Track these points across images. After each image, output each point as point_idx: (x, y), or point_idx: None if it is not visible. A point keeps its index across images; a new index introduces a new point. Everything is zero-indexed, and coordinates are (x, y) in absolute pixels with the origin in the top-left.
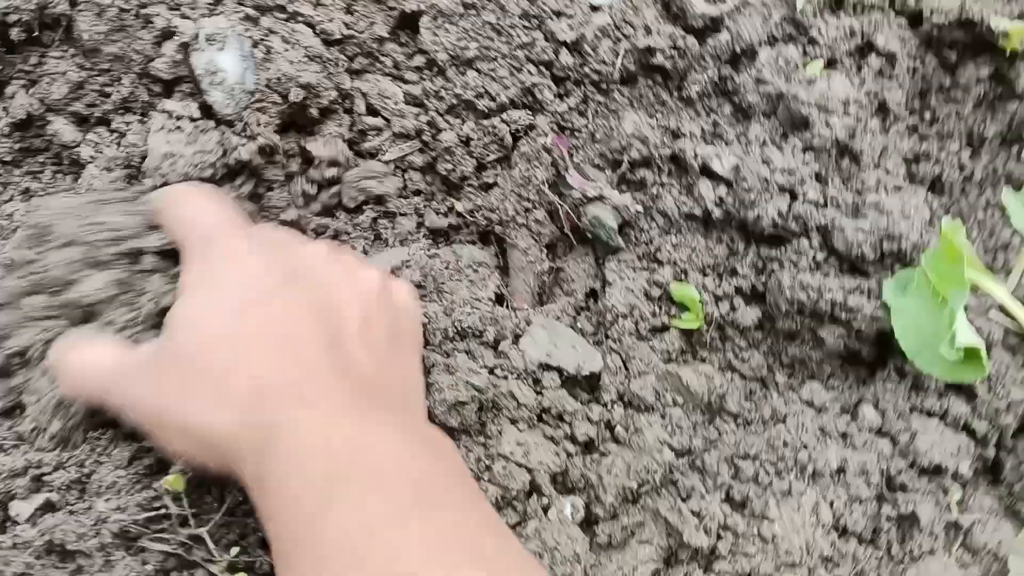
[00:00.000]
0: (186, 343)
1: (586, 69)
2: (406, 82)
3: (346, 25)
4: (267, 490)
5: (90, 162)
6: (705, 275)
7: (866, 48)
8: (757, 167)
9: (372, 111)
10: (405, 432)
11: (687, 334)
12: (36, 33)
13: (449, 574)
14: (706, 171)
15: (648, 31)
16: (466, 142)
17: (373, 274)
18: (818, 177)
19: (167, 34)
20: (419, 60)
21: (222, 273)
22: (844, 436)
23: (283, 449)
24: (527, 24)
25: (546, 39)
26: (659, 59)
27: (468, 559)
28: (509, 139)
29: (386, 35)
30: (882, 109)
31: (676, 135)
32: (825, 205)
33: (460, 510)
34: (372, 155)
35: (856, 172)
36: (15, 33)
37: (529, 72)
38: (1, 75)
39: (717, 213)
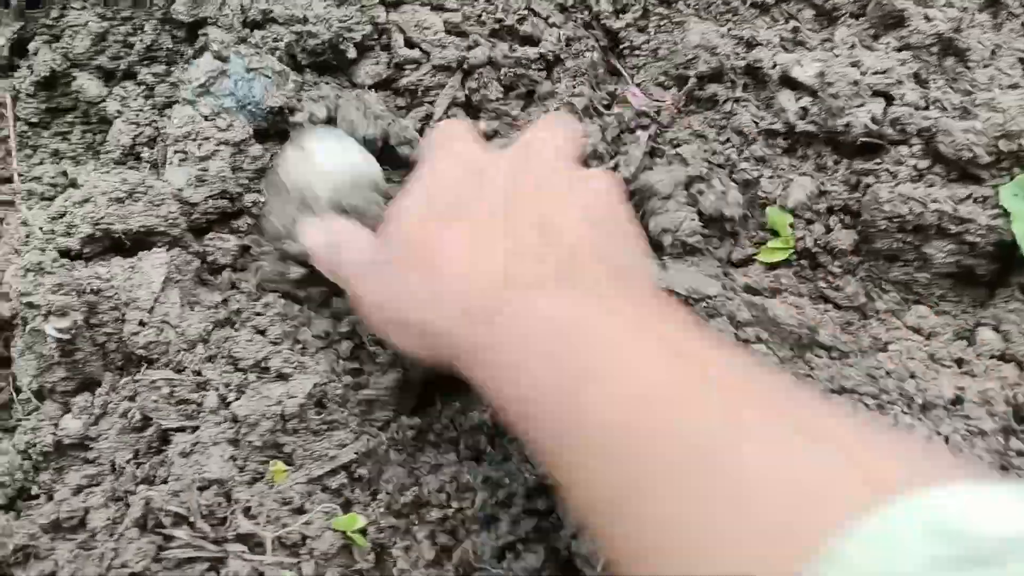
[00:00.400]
0: (399, 235)
1: None
2: (445, 10)
3: None
4: (501, 377)
5: (117, 117)
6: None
7: None
8: (845, 71)
9: (410, 44)
10: (638, 303)
11: (773, 265)
12: None
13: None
14: (786, 80)
15: None
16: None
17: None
18: (917, 78)
19: None
20: None
21: (442, 166)
22: (960, 363)
23: (517, 329)
24: None
25: None
26: None
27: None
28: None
29: None
30: (993, 3)
31: (750, 45)
32: (927, 107)
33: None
34: (411, 92)
35: (963, 72)
36: None
37: None
38: (24, 31)
39: (801, 126)
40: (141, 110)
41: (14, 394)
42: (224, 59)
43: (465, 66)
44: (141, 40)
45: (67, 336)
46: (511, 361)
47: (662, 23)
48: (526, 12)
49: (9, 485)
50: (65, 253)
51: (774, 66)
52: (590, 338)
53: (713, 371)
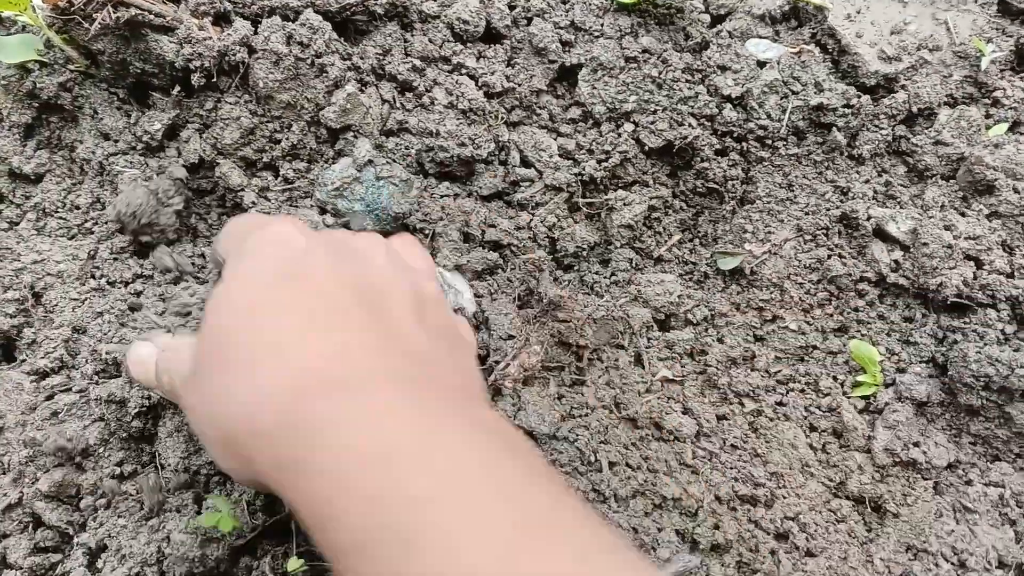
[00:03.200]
0: (214, 325)
1: (750, 124)
2: (560, 135)
3: (507, 78)
4: (316, 514)
5: (252, 206)
6: (876, 344)
7: None
8: (938, 232)
9: (526, 163)
10: (475, 427)
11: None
12: (214, 79)
13: None
14: (880, 233)
15: (819, 88)
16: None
17: (431, 269)
18: (1004, 245)
19: (339, 83)
20: (575, 112)
21: (260, 249)
22: None
23: (329, 453)
24: (690, 79)
25: (709, 93)
26: (830, 117)
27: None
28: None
29: (544, 88)
30: None
31: (846, 194)
32: (1012, 275)
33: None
34: (522, 206)
35: None
36: (195, 78)
37: (690, 126)
38: (177, 119)
39: (892, 278)
40: (276, 202)
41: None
42: (360, 168)
43: (572, 187)
44: (287, 138)
45: None
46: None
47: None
48: (622, 158)
49: None
50: None
51: (868, 217)
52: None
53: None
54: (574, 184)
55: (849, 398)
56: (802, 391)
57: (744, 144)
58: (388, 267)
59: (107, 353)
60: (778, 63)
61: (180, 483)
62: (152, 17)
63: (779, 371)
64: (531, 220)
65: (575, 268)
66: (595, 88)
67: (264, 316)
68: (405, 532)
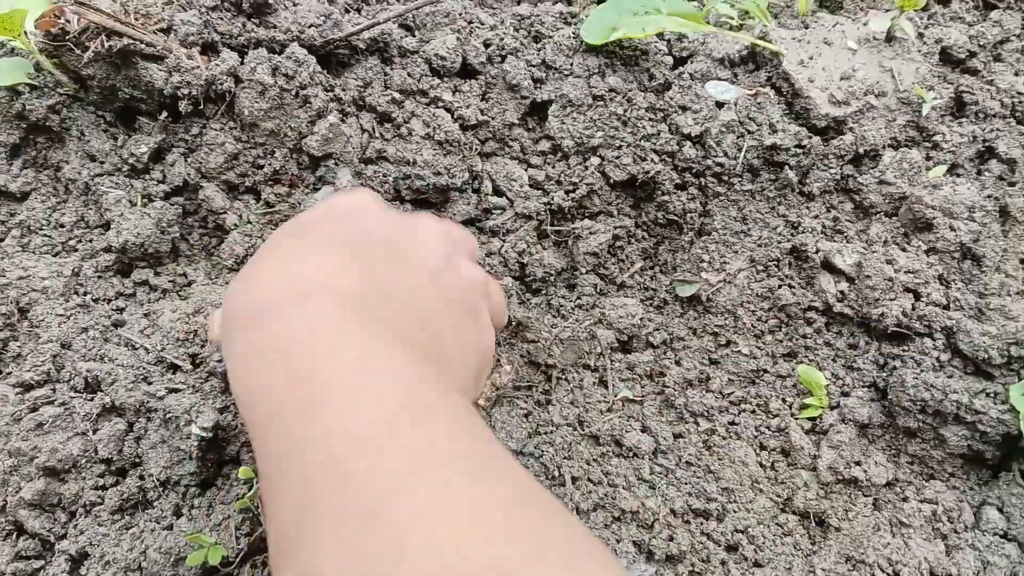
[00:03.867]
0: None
1: (708, 162)
2: (531, 166)
3: (481, 111)
4: (247, 389)
5: (234, 228)
6: (822, 369)
7: (987, 153)
8: (881, 266)
9: (498, 191)
10: (443, 399)
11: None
12: (200, 106)
13: (435, 485)
14: (827, 265)
15: (773, 129)
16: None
17: (474, 251)
18: (941, 279)
19: (322, 113)
20: (545, 145)
21: (326, 199)
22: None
23: (267, 337)
24: (652, 117)
25: (670, 131)
26: (783, 156)
27: (459, 471)
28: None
29: (516, 121)
30: (1003, 213)
31: (796, 228)
32: (947, 307)
33: (448, 424)
34: (494, 233)
35: (978, 275)
36: (183, 105)
37: (652, 162)
38: (163, 143)
39: (838, 307)
40: (258, 225)
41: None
42: None
43: (541, 216)
44: (270, 164)
45: (209, 435)
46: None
47: (720, 204)
48: (588, 190)
49: None
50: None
51: (816, 250)
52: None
53: (448, 448)
54: (543, 213)
55: (796, 419)
56: (753, 412)
57: (702, 179)
58: (431, 241)
59: (88, 371)
60: (735, 104)
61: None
62: (143, 46)
63: (732, 392)
64: (502, 246)
65: (543, 292)
66: (564, 123)
67: (286, 238)
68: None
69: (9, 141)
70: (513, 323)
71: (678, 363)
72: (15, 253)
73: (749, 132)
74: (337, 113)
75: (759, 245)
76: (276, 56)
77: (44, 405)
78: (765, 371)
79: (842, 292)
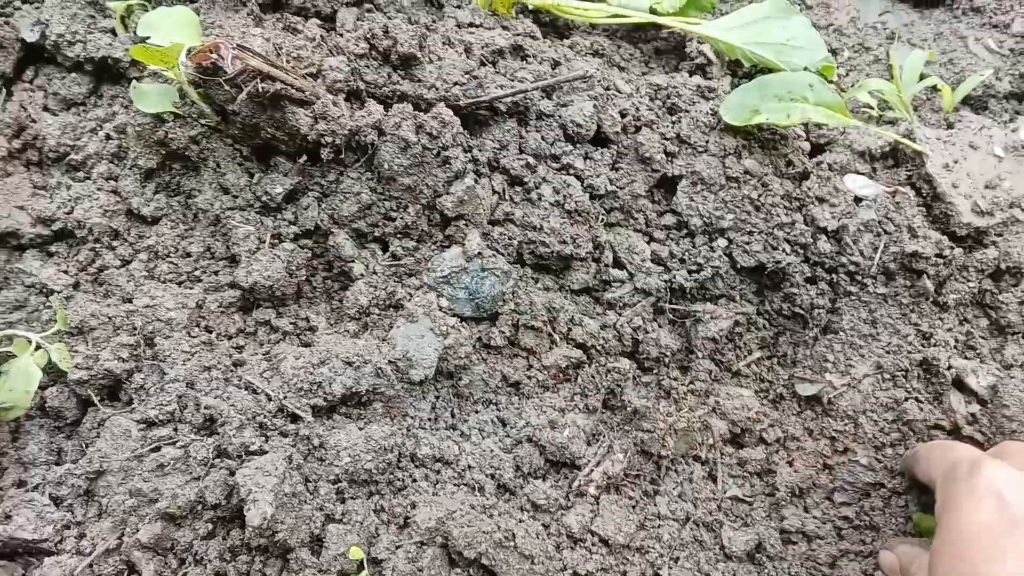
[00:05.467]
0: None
1: (843, 259)
2: (654, 240)
3: (610, 181)
4: None
5: (360, 278)
6: None
7: None
8: (1020, 394)
9: (618, 263)
10: None
11: None
12: (341, 155)
13: None
14: (959, 384)
15: (913, 234)
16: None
17: None
18: None
19: (459, 174)
20: (669, 219)
21: (980, 497)
22: None
23: None
24: (788, 205)
25: (806, 223)
26: (921, 264)
27: None
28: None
29: (643, 193)
30: None
31: (928, 339)
32: None
33: None
34: (611, 306)
35: None
36: (324, 152)
37: (784, 252)
38: (298, 185)
39: (968, 431)
40: (383, 276)
41: None
42: (469, 259)
43: (660, 293)
44: (402, 218)
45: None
46: None
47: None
48: (713, 272)
49: None
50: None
51: (949, 367)
52: None
53: None
54: (663, 290)
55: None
56: (861, 535)
57: (834, 276)
58: None
59: (207, 410)
60: (874, 202)
61: None
62: (293, 91)
63: (842, 508)
64: (617, 320)
65: (654, 372)
66: (693, 201)
67: (995, 565)
68: None
69: (146, 165)
70: (629, 408)
71: (790, 463)
72: (142, 279)
73: (887, 233)
74: (473, 175)
75: (887, 352)
76: (421, 114)
77: (166, 446)
78: (881, 486)
79: (973, 415)
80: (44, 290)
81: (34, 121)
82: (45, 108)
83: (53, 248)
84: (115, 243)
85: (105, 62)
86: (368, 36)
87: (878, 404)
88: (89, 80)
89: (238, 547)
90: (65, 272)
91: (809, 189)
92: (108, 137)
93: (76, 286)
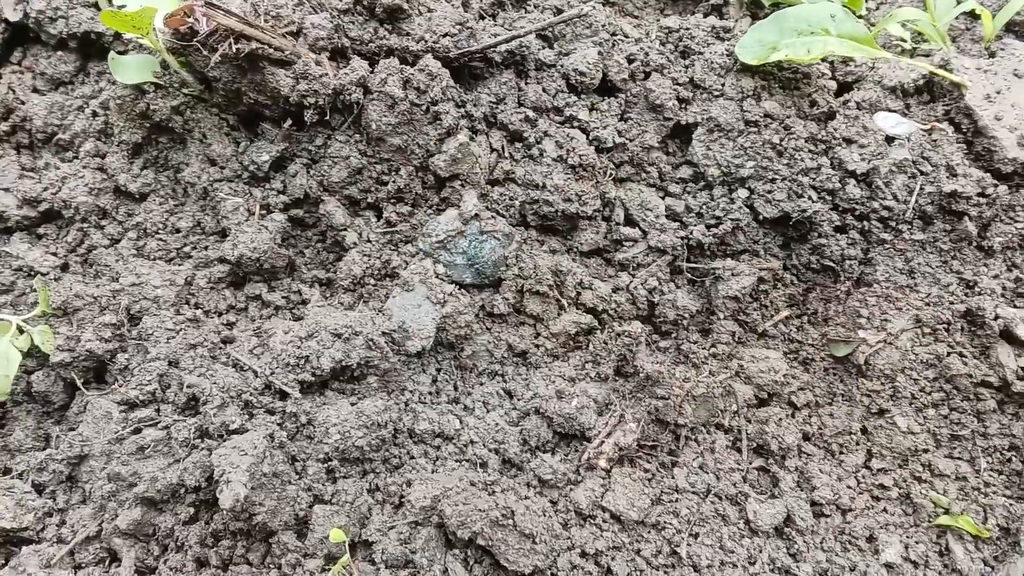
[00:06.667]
0: None
1: (874, 204)
2: (669, 194)
3: (619, 132)
4: None
5: (353, 247)
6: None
7: None
8: None
9: (630, 221)
10: None
11: None
12: (326, 116)
13: None
14: (1007, 335)
15: (952, 173)
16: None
17: None
18: None
19: (451, 131)
20: (685, 172)
21: None
22: None
23: None
24: (813, 149)
25: (833, 167)
26: (962, 204)
27: None
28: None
29: (655, 144)
30: None
31: (972, 288)
32: None
33: None
34: (623, 267)
35: None
36: (308, 114)
37: (810, 199)
38: (285, 152)
39: (1019, 386)
40: (377, 244)
41: None
42: (466, 221)
43: (677, 251)
44: (394, 181)
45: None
46: None
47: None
48: (733, 225)
49: None
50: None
51: (995, 317)
52: None
53: None
54: (679, 248)
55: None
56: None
57: (866, 223)
58: None
59: (190, 387)
60: (908, 140)
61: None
62: (271, 51)
63: (878, 475)
64: (631, 282)
65: (673, 336)
66: (710, 149)
67: None
68: None
69: (132, 140)
70: (641, 374)
71: (821, 431)
72: (130, 257)
73: (923, 174)
74: (467, 131)
75: (927, 304)
76: (408, 68)
77: (147, 427)
78: (924, 451)
79: (1022, 368)
80: (31, 273)
81: (22, 103)
82: (34, 89)
83: (41, 230)
84: (103, 222)
85: (88, 37)
86: None
87: (918, 361)
88: (75, 58)
89: (220, 532)
90: (53, 254)
91: (835, 130)
92: (94, 114)
93: (65, 267)
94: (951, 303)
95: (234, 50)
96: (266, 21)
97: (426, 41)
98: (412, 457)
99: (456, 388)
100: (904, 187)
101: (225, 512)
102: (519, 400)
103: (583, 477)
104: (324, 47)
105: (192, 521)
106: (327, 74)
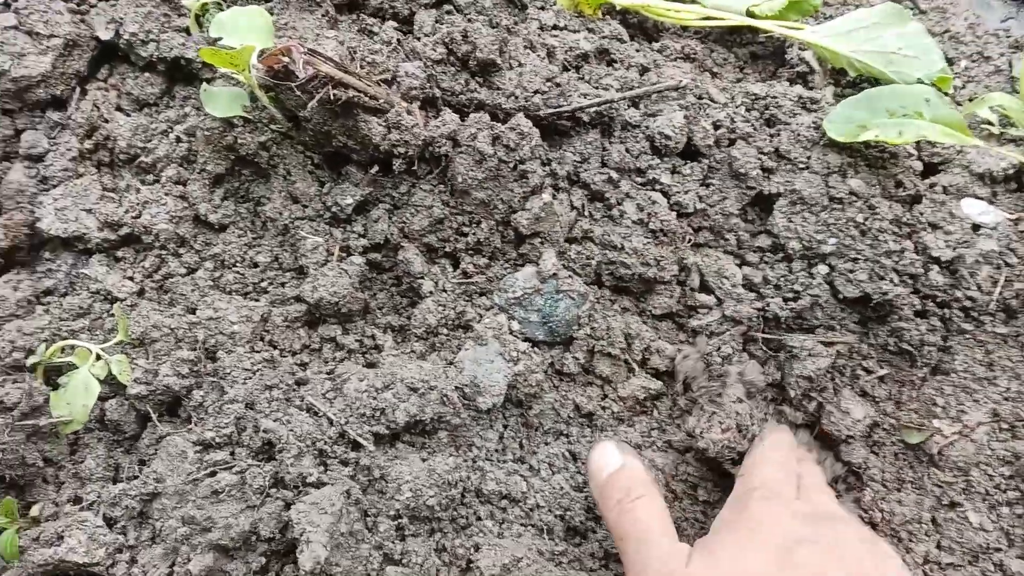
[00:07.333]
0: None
1: (957, 293)
2: (746, 263)
3: (700, 198)
4: None
5: (429, 296)
6: None
7: None
8: None
9: (705, 288)
10: None
11: None
12: (414, 166)
13: None
14: None
15: None
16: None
17: None
18: None
19: (536, 190)
20: (764, 241)
21: (757, 525)
22: None
23: None
24: (897, 231)
25: (917, 251)
26: None
27: None
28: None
29: (735, 212)
30: None
31: None
32: None
33: None
34: (695, 334)
35: None
36: (396, 164)
37: (892, 282)
38: (369, 196)
39: None
40: (453, 295)
41: None
42: (544, 280)
43: (752, 322)
44: (475, 234)
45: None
46: None
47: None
48: (812, 301)
49: None
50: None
51: None
52: None
53: None
54: (755, 319)
55: None
56: None
57: (947, 311)
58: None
59: (266, 432)
60: (995, 230)
61: None
62: (367, 99)
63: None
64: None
65: None
66: (791, 222)
67: None
68: None
69: (215, 172)
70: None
71: (890, 519)
72: (207, 289)
73: (1009, 266)
74: (551, 190)
75: (1006, 399)
76: (498, 124)
77: (222, 471)
78: (996, 550)
79: None
80: (109, 297)
81: (106, 121)
82: (118, 108)
83: (120, 253)
84: (181, 250)
85: (178, 62)
86: (446, 40)
87: (994, 457)
88: (162, 80)
89: None
90: (130, 279)
91: (921, 214)
92: (178, 140)
93: (141, 293)
94: None
95: (332, 96)
96: (361, 67)
97: (517, 98)
98: (479, 518)
99: (522, 447)
100: (989, 278)
101: (303, 573)
102: (584, 463)
103: None
104: (416, 96)
105: (263, 572)
106: (418, 124)
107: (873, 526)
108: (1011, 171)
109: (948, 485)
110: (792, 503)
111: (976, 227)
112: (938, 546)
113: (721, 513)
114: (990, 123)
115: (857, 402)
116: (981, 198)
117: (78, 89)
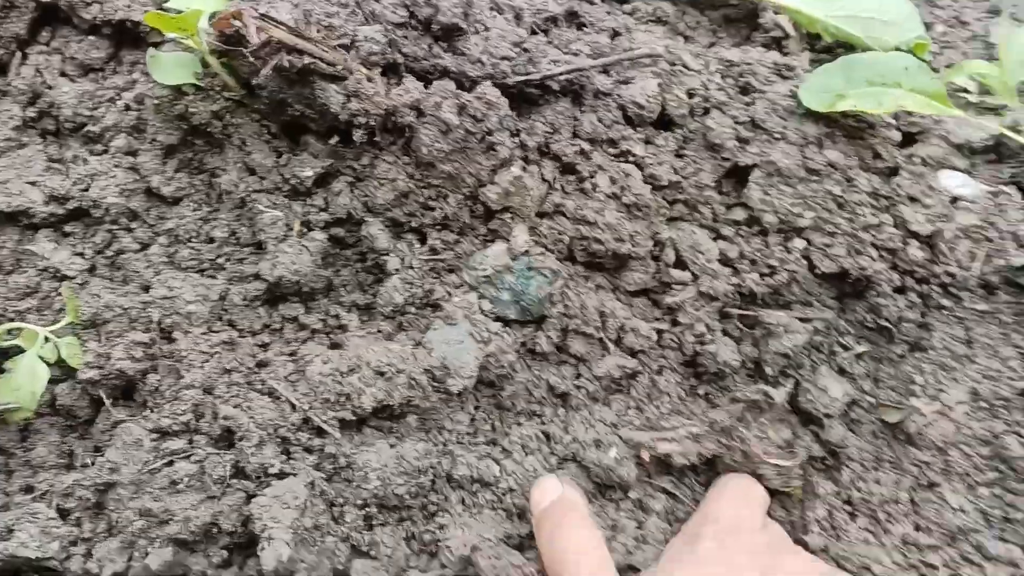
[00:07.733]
0: None
1: (935, 268)
2: (721, 237)
3: (674, 170)
4: None
5: (395, 273)
6: None
7: None
8: None
9: (680, 264)
10: None
11: None
12: (376, 137)
13: None
14: None
15: (1019, 243)
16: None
17: None
18: None
19: (506, 162)
20: (739, 214)
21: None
22: None
23: None
24: (875, 204)
25: (895, 225)
26: None
27: None
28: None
29: (710, 184)
30: None
31: None
32: None
33: None
34: (671, 310)
35: None
36: (357, 134)
37: (870, 257)
38: (330, 168)
39: None
40: (420, 271)
41: None
42: (515, 257)
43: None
44: (442, 208)
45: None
46: None
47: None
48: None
49: None
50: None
51: None
52: None
53: None
54: (731, 295)
55: None
56: None
57: (925, 287)
58: None
59: (225, 419)
60: (974, 203)
61: None
62: (323, 65)
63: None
64: (679, 328)
65: (715, 384)
66: (768, 194)
67: None
68: None
69: (166, 142)
70: None
71: (868, 498)
72: (161, 266)
73: (989, 241)
74: (521, 162)
75: (985, 377)
76: (464, 93)
77: (180, 460)
78: (974, 531)
79: None
80: (57, 275)
81: (50, 88)
82: (62, 74)
83: (68, 228)
84: (133, 225)
85: (123, 25)
86: (407, 2)
87: (972, 436)
88: (108, 44)
89: None
90: (80, 256)
91: (899, 186)
92: (127, 108)
93: (91, 271)
94: (1011, 379)
95: (286, 63)
96: (318, 31)
97: (483, 64)
98: (450, 503)
99: (494, 428)
100: (968, 253)
101: (266, 572)
102: (557, 444)
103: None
104: (376, 62)
105: (226, 566)
106: (379, 93)
107: (851, 506)
108: (990, 142)
109: (926, 465)
110: (754, 535)
111: (954, 200)
112: (916, 527)
113: (672, 541)
114: (967, 91)
115: (835, 379)
116: (960, 170)
117: (18, 53)
